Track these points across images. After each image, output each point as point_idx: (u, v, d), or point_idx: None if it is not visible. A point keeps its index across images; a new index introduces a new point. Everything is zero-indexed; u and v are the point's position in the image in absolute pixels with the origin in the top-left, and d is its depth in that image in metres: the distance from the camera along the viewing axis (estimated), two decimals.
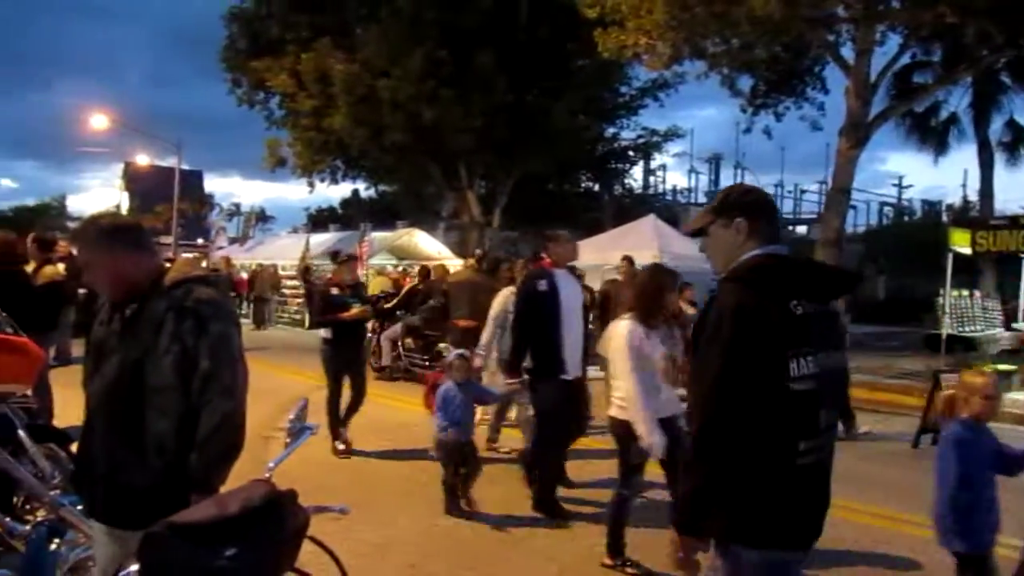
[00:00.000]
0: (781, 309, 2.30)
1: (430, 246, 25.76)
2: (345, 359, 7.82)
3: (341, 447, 7.56)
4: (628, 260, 11.56)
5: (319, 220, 49.29)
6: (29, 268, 8.05)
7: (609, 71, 22.42)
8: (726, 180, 45.86)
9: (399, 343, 12.59)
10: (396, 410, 9.90)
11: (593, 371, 7.71)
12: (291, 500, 1.78)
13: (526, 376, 6.15)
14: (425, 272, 13.50)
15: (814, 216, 38.52)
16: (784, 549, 2.34)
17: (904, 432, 9.28)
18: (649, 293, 4.85)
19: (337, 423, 7.64)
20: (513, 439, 7.80)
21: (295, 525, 1.76)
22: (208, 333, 2.46)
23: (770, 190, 44.40)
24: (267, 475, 1.97)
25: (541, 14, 20.84)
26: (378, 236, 25.44)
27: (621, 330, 4.76)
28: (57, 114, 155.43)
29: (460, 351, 6.82)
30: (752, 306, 2.29)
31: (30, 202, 65.94)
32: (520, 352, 6.15)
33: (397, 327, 12.55)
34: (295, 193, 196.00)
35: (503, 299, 7.82)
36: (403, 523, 5.69)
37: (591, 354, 6.96)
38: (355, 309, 7.84)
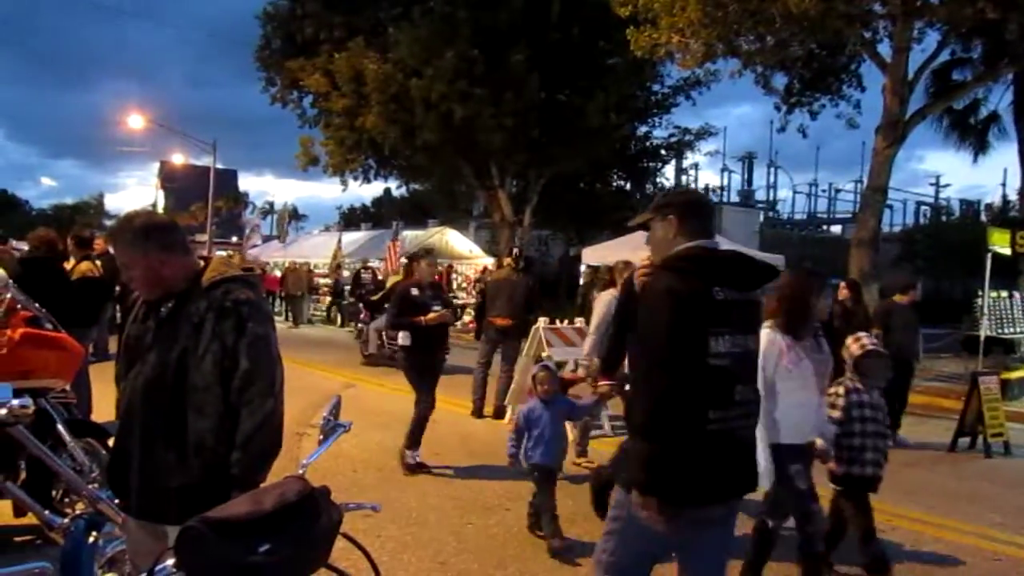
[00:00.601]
0: (704, 294, 2.66)
1: (461, 245, 25.87)
2: (427, 366, 7.17)
3: (412, 462, 6.98)
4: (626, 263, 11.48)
5: (351, 219, 49.68)
6: (68, 265, 8.23)
7: (641, 69, 22.30)
8: (759, 179, 45.51)
9: (383, 333, 13.27)
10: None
11: None
12: (325, 497, 1.79)
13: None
14: (409, 268, 13.76)
15: (849, 216, 38.04)
16: (695, 506, 2.69)
17: (941, 436, 9.15)
18: (793, 299, 4.22)
19: (418, 435, 7.05)
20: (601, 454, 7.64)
21: (329, 522, 1.77)
22: (247, 333, 2.49)
23: (804, 189, 43.99)
24: (301, 472, 1.99)
25: (573, 13, 20.79)
26: (410, 235, 25.60)
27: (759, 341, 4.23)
28: (95, 114, 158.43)
29: (544, 362, 6.28)
30: (679, 290, 2.65)
31: (69, 200, 67.22)
32: (619, 351, 5.89)
33: (382, 319, 12.83)
34: (327, 192, 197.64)
35: (605, 303, 7.28)
36: (433, 520, 5.71)
37: None
38: (436, 312, 7.14)
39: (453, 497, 6.28)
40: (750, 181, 44.15)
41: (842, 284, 9.93)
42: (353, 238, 29.14)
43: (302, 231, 48.46)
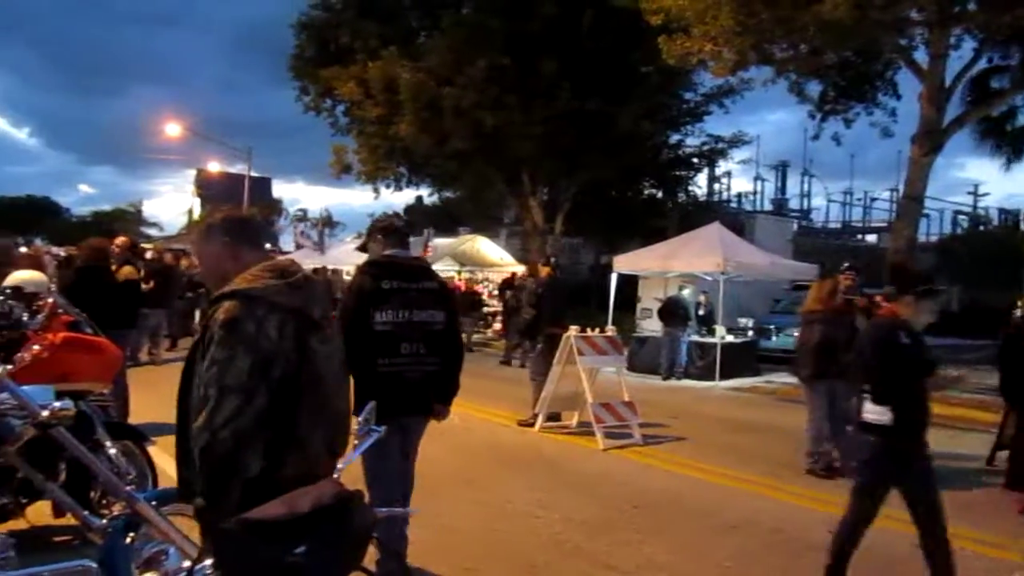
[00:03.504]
0: (376, 284, 4.28)
1: (492, 252, 25.89)
2: None
3: None
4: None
5: None
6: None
7: (673, 77, 22.22)
8: (793, 187, 45.10)
9: None
10: None
11: None
12: (359, 500, 1.82)
13: None
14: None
15: (885, 225, 37.51)
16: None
17: (977, 449, 8.99)
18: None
19: None
20: None
21: (363, 525, 1.79)
22: (208, 356, 2.29)
23: (839, 197, 43.46)
24: (336, 475, 2.02)
25: (605, 21, 20.76)
26: (441, 242, 25.69)
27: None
28: (131, 121, 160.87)
29: None
30: (362, 282, 4.33)
31: (106, 207, 68.32)
32: None
33: None
34: (359, 199, 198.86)
35: None
36: (462, 526, 5.73)
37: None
38: None
39: (483, 504, 6.30)
40: (783, 189, 43.71)
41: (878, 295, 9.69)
42: None
43: (335, 238, 48.81)
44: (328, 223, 54.36)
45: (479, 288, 23.71)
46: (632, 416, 9.20)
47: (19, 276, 6.48)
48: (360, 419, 2.21)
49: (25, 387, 3.63)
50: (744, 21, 14.47)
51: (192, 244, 2.63)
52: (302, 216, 56.68)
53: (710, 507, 6.56)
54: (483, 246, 25.92)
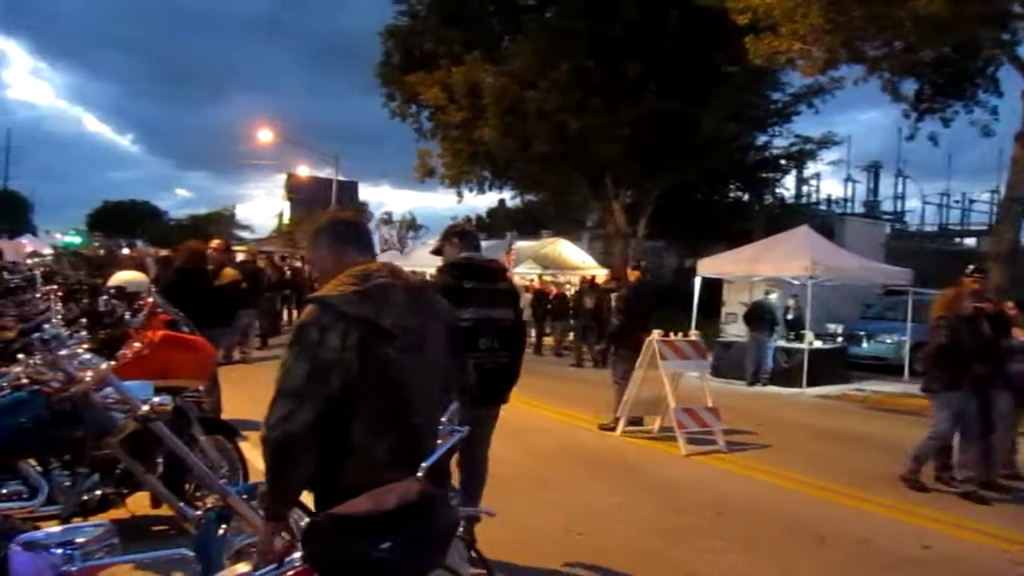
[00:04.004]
0: (459, 284, 4.57)
1: (574, 255, 25.85)
2: None
3: None
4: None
5: None
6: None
7: (761, 77, 21.82)
8: (886, 189, 43.51)
9: None
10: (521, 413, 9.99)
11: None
12: (442, 499, 1.85)
13: None
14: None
15: (985, 228, 35.91)
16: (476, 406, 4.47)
17: None
18: None
19: None
20: None
21: (446, 523, 1.82)
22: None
23: (934, 199, 41.80)
24: (420, 474, 2.06)
25: (690, 22, 20.52)
26: (523, 245, 25.79)
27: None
28: (224, 127, 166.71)
29: None
30: (446, 282, 4.58)
31: (202, 210, 70.96)
32: None
33: None
34: (442, 202, 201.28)
35: None
36: (542, 526, 5.74)
37: None
38: None
39: (564, 507, 6.30)
40: (876, 191, 42.24)
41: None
42: None
43: (418, 241, 49.52)
44: (412, 226, 55.24)
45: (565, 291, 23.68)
46: (716, 422, 9.06)
47: (122, 276, 6.81)
48: (443, 418, 2.25)
49: (127, 383, 3.81)
50: (835, 18, 14.09)
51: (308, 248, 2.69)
52: (387, 219, 57.69)
53: (795, 517, 6.42)
54: (565, 249, 25.91)
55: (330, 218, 2.69)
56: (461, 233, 5.00)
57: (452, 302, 4.21)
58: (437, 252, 5.06)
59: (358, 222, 2.75)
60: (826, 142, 26.91)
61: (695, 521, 6.13)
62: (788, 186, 32.66)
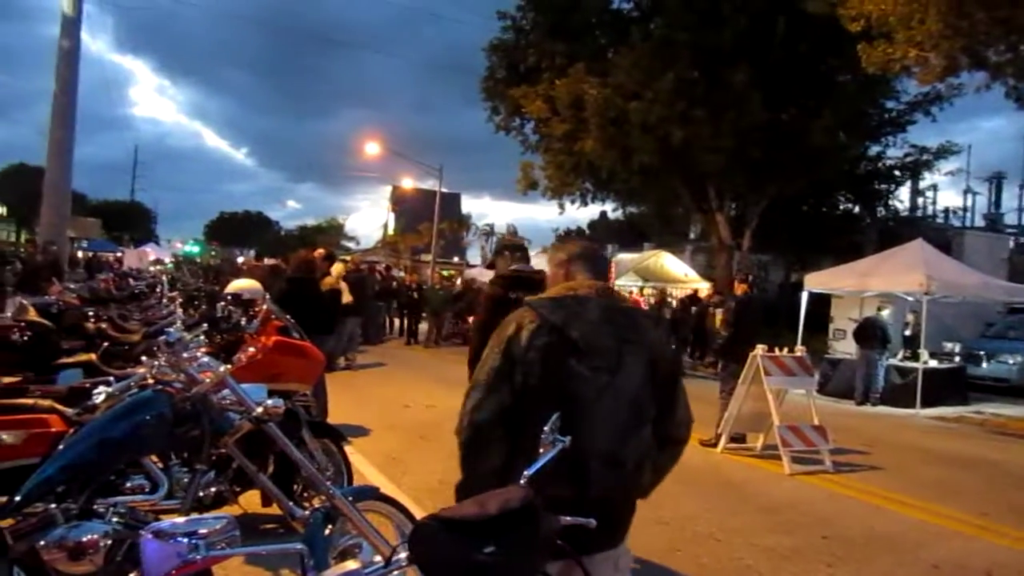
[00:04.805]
0: (505, 294, 5.06)
1: (677, 268, 25.55)
2: None
3: None
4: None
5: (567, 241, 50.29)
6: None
7: (873, 86, 21.06)
8: (1009, 201, 41.36)
9: None
10: None
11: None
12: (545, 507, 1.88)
13: None
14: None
15: None
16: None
17: None
18: None
19: None
20: None
21: (548, 531, 1.85)
22: None
23: None
24: (523, 481, 2.09)
25: (799, 30, 20.02)
26: (625, 257, 25.68)
27: None
28: (335, 141, 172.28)
29: None
30: (494, 293, 5.28)
31: (311, 221, 73.44)
32: None
33: None
34: (543, 214, 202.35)
35: None
36: (641, 544, 5.68)
37: None
38: None
39: (663, 523, 6.22)
40: (998, 203, 40.26)
41: None
42: None
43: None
44: (514, 238, 55.63)
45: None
46: (822, 441, 8.78)
47: (238, 284, 7.13)
48: (546, 427, 2.28)
49: (242, 385, 3.99)
50: (954, 23, 13.48)
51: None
52: (489, 231, 58.30)
53: (908, 543, 6.15)
54: (667, 262, 25.64)
55: (569, 243, 2.95)
56: (512, 247, 5.76)
57: (500, 311, 4.59)
58: (490, 266, 5.66)
59: (595, 249, 2.96)
60: (944, 152, 25.82)
61: (799, 542, 5.96)
62: (902, 198, 31.46)
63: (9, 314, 7.18)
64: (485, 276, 30.43)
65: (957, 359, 16.54)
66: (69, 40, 17.65)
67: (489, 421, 2.51)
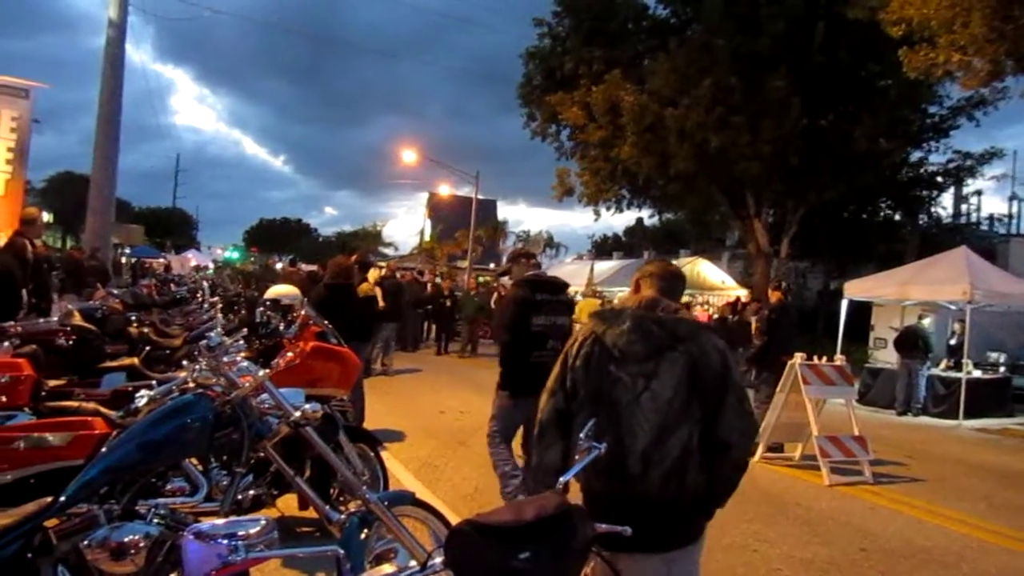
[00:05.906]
0: (530, 295, 5.74)
1: (714, 275, 25.37)
2: None
3: None
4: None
5: (603, 247, 50.33)
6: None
7: (915, 91, 20.70)
8: None
9: None
10: None
11: None
12: (580, 514, 1.88)
13: None
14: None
15: None
16: (515, 396, 5.71)
17: None
18: None
19: None
20: None
21: (584, 537, 1.86)
22: None
23: None
24: (559, 488, 2.10)
25: (839, 35, 19.79)
26: None
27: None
28: (372, 148, 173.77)
29: None
30: (524, 294, 5.78)
31: (348, 227, 74.10)
32: None
33: None
34: (579, 220, 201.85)
35: None
36: None
37: None
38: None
39: None
40: None
41: None
42: (605, 267, 29.51)
43: (555, 259, 49.82)
44: (550, 244, 55.56)
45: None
46: (862, 452, 8.65)
47: (277, 290, 7.22)
48: (582, 434, 2.30)
49: (281, 390, 4.04)
50: (999, 26, 13.23)
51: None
52: (524, 237, 58.28)
53: (951, 558, 6.03)
54: (704, 269, 25.46)
55: (651, 263, 3.20)
56: (527, 255, 6.52)
57: (528, 311, 5.70)
58: (505, 272, 6.38)
59: (667, 268, 3.12)
60: (988, 157, 25.30)
61: (838, 555, 5.88)
62: (945, 205, 30.89)
63: (55, 319, 7.34)
64: None
65: (1002, 369, 16.20)
66: (114, 47, 18.14)
67: (548, 421, 2.87)
